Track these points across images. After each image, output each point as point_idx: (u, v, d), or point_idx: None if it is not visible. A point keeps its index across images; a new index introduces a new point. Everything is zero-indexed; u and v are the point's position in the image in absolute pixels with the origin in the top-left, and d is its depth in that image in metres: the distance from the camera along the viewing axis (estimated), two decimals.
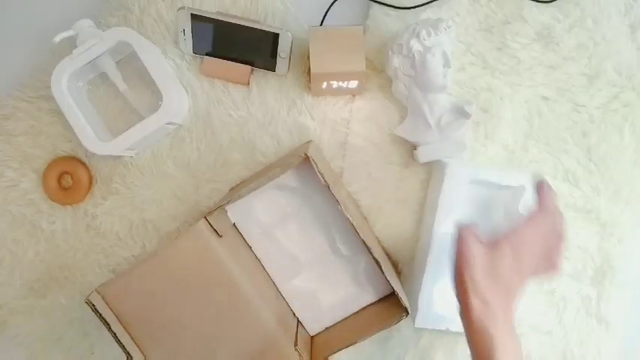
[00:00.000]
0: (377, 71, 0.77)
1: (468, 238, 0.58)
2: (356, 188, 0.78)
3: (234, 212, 0.74)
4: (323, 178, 0.64)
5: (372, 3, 0.77)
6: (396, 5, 0.77)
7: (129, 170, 0.79)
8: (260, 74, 0.78)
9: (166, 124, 0.73)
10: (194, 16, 0.74)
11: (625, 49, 0.76)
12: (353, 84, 0.74)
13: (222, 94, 0.78)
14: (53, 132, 0.79)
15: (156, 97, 0.77)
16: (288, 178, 0.74)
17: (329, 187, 0.64)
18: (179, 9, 0.74)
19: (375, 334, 0.67)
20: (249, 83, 0.77)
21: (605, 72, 0.76)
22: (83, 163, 0.79)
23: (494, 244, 0.58)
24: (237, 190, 0.69)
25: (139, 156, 0.79)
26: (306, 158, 0.64)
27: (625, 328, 0.79)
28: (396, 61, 0.71)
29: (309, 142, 0.76)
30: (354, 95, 0.78)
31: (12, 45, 0.80)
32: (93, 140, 0.72)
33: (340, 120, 0.78)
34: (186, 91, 0.78)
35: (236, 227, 0.76)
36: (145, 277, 0.64)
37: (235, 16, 0.75)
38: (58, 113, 0.77)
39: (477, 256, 0.57)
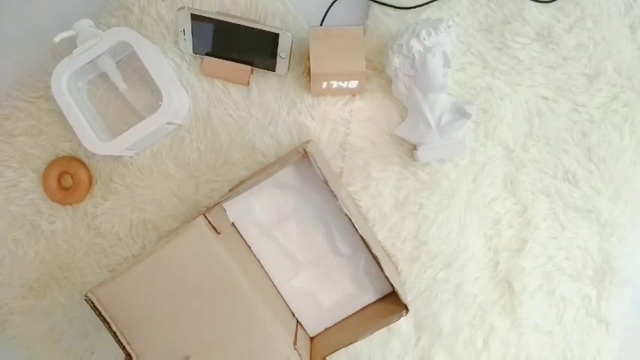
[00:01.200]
0: (377, 71, 0.77)
1: None
2: (356, 188, 0.78)
3: (233, 211, 0.74)
4: (321, 173, 0.64)
5: (372, 3, 0.77)
6: (396, 5, 0.77)
7: (129, 170, 0.79)
8: (260, 74, 0.78)
9: (166, 124, 0.73)
10: (194, 16, 0.74)
11: (625, 49, 0.76)
12: (353, 84, 0.74)
13: (222, 94, 0.78)
14: (53, 132, 0.79)
15: (156, 97, 0.77)
16: (287, 177, 0.74)
17: (327, 183, 0.64)
18: (179, 9, 0.74)
19: (374, 334, 0.67)
20: (249, 83, 0.77)
21: (605, 72, 0.76)
22: (83, 163, 0.79)
23: None
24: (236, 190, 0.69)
25: (139, 156, 0.79)
26: (305, 155, 0.64)
27: (625, 328, 0.79)
28: (396, 61, 0.71)
29: (308, 141, 0.75)
30: (354, 95, 0.78)
31: (12, 45, 0.80)
32: (93, 140, 0.72)
33: (340, 120, 0.78)
34: (186, 91, 0.78)
35: (235, 227, 0.76)
36: (143, 276, 0.63)
37: (235, 16, 0.75)
38: (58, 113, 0.77)
39: None
